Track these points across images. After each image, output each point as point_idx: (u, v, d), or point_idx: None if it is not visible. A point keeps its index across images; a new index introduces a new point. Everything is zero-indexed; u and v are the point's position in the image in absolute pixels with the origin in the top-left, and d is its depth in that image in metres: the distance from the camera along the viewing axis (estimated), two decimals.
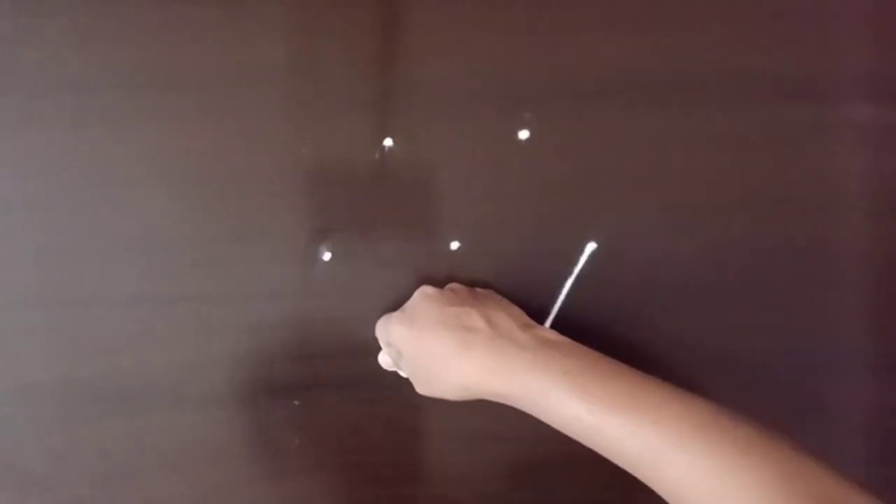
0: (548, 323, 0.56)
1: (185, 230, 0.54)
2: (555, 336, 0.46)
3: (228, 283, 0.54)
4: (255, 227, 0.54)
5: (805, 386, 0.57)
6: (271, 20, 0.53)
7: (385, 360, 0.54)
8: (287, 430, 0.56)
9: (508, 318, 0.48)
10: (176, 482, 0.56)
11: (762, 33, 0.55)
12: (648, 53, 0.54)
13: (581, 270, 0.56)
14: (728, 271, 0.56)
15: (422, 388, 0.50)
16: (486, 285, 0.55)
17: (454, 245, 0.55)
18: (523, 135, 0.55)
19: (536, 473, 0.57)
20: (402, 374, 0.54)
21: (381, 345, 0.54)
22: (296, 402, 0.56)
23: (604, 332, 0.56)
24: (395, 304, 0.55)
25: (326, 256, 0.55)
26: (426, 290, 0.51)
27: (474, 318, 0.47)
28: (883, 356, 0.57)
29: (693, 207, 0.56)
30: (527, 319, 0.49)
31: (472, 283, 0.55)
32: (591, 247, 0.56)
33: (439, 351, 0.47)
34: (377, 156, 0.54)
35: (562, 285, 0.56)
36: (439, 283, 0.54)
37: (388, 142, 0.54)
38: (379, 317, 0.54)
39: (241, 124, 0.53)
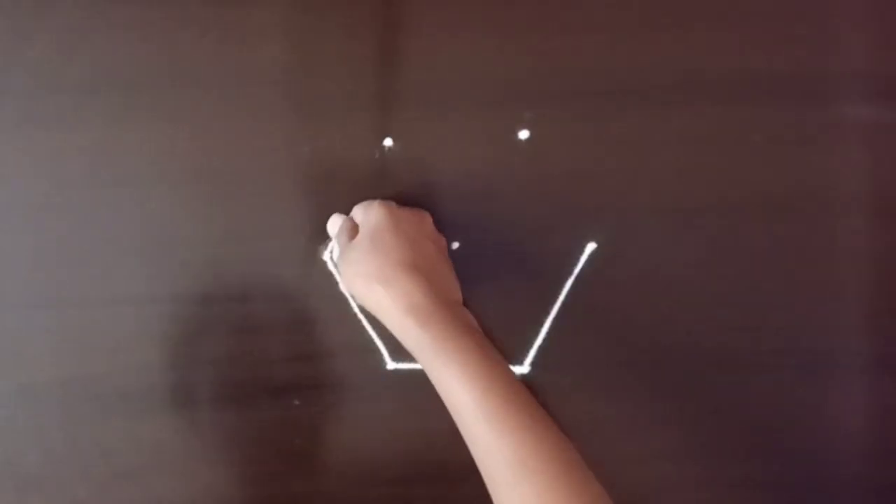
0: (547, 323, 0.56)
1: (186, 230, 0.54)
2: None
3: (228, 283, 0.55)
4: (255, 227, 0.54)
5: (805, 386, 0.57)
6: (271, 20, 0.53)
7: (336, 223, 0.53)
8: (287, 430, 0.56)
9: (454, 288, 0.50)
10: (176, 482, 0.56)
11: (762, 33, 0.55)
12: (648, 53, 0.54)
13: (581, 270, 0.56)
14: (727, 271, 0.56)
15: (361, 258, 0.48)
16: (486, 285, 0.55)
17: (454, 245, 0.55)
18: (523, 135, 0.55)
19: None
20: (328, 251, 0.54)
21: (338, 228, 0.52)
22: (296, 402, 0.56)
23: (603, 333, 0.56)
24: None
25: (326, 256, 0.55)
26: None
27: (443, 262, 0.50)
28: (883, 356, 0.57)
29: (693, 207, 0.56)
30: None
31: (471, 284, 0.55)
32: (591, 247, 0.56)
33: (406, 243, 0.48)
34: (377, 156, 0.54)
35: (562, 285, 0.56)
36: None
37: (388, 142, 0.54)
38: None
39: (241, 124, 0.54)
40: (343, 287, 0.53)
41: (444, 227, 0.55)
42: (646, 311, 0.56)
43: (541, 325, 0.56)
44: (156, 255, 0.54)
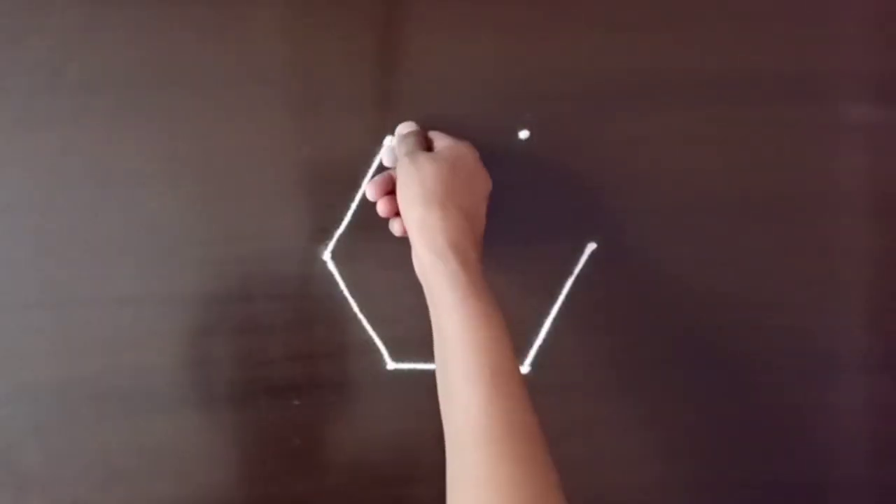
0: (547, 323, 0.56)
1: (185, 230, 0.54)
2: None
3: (228, 283, 0.55)
4: (255, 227, 0.54)
5: (805, 386, 0.57)
6: (271, 20, 0.53)
7: (391, 145, 0.53)
8: (287, 430, 0.56)
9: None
10: (175, 482, 0.56)
11: (762, 33, 0.55)
12: (649, 53, 0.54)
13: (581, 270, 0.56)
14: (728, 271, 0.56)
15: (435, 174, 0.46)
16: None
17: None
18: (523, 135, 0.55)
19: None
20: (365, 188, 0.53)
21: (403, 137, 0.51)
22: (296, 402, 0.56)
23: (604, 333, 0.56)
24: (396, 305, 0.55)
25: (326, 256, 0.55)
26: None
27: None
28: (883, 356, 0.57)
29: (693, 207, 0.56)
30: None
31: None
32: (591, 247, 0.56)
33: (482, 186, 0.48)
34: (377, 156, 0.54)
35: (562, 285, 0.56)
36: None
37: (388, 142, 0.54)
38: (378, 317, 0.54)
39: (241, 124, 0.54)
40: (401, 192, 0.48)
41: None
42: (646, 311, 0.56)
43: (541, 325, 0.56)
44: (156, 255, 0.54)
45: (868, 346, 0.57)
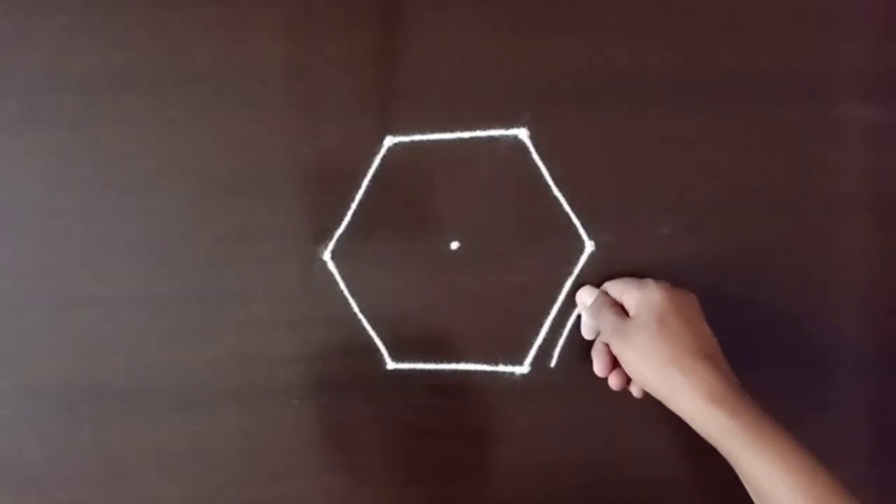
0: (547, 323, 0.56)
1: (186, 230, 0.54)
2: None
3: (228, 283, 0.54)
4: (255, 227, 0.54)
5: (805, 386, 0.57)
6: (271, 20, 0.53)
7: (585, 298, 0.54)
8: (287, 430, 0.56)
9: None
10: (175, 482, 0.56)
11: (762, 33, 0.55)
12: (648, 53, 0.54)
13: (581, 270, 0.56)
14: (728, 271, 0.56)
15: (651, 343, 0.48)
16: (485, 285, 0.55)
17: (454, 245, 0.55)
18: (523, 135, 0.55)
19: (537, 473, 0.57)
20: (589, 329, 0.54)
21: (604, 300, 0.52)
22: (296, 402, 0.56)
23: None
24: (395, 304, 0.55)
25: (326, 256, 0.55)
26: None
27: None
28: (883, 356, 0.57)
29: (693, 207, 0.56)
30: None
31: (471, 284, 0.55)
32: (590, 247, 0.56)
33: (692, 329, 0.48)
34: (377, 156, 0.54)
35: (562, 285, 0.56)
36: (438, 284, 0.54)
37: (388, 142, 0.54)
38: (378, 317, 0.55)
39: (241, 124, 0.54)
40: (628, 369, 0.50)
41: (444, 226, 0.55)
42: None
43: (541, 325, 0.56)
44: (156, 255, 0.54)
45: (868, 346, 0.57)
